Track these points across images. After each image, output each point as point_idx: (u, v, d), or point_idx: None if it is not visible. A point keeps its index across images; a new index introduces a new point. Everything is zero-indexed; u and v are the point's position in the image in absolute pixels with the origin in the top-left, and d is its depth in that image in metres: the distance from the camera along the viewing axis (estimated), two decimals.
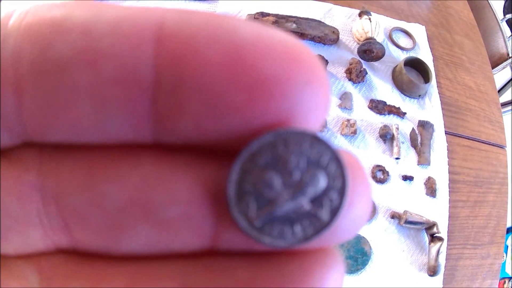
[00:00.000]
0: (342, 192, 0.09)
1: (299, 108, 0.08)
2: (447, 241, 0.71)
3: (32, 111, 0.08)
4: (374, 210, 0.67)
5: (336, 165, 0.09)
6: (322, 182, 0.09)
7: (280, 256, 0.09)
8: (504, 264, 1.33)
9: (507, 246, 1.34)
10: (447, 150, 0.75)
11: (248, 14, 0.76)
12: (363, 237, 0.66)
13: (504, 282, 1.34)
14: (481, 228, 0.77)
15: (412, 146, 0.72)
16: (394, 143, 0.70)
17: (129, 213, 0.09)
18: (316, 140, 0.09)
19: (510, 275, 1.31)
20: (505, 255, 1.33)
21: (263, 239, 0.09)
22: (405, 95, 0.75)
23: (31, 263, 0.10)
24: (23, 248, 0.09)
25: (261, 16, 0.75)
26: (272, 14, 0.75)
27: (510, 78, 1.03)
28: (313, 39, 0.75)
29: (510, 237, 1.34)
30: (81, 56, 0.08)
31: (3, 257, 0.09)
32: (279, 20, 0.75)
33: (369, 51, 0.74)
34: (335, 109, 0.71)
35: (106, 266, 0.10)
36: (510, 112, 0.95)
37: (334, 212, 0.09)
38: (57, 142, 0.09)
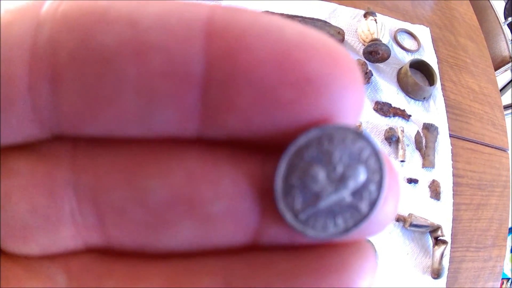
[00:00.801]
0: (379, 185, 0.09)
1: (340, 106, 0.09)
2: (451, 244, 0.71)
3: (71, 102, 0.08)
4: None
5: (375, 160, 0.09)
6: (362, 175, 0.09)
7: (320, 249, 0.09)
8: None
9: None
10: (451, 153, 0.74)
11: None
12: (368, 240, 0.65)
13: (503, 283, 1.35)
14: (484, 231, 0.77)
15: (417, 148, 0.72)
16: (399, 146, 0.70)
17: (172, 209, 0.09)
18: (358, 136, 0.09)
19: (509, 276, 1.32)
20: None
21: (308, 231, 0.09)
22: (410, 97, 0.75)
23: (58, 262, 0.09)
24: (51, 248, 0.09)
25: None
26: (277, 14, 0.75)
27: (509, 80, 1.03)
28: None
29: (509, 237, 1.35)
30: (127, 48, 0.08)
31: (27, 258, 0.09)
32: None
33: (375, 52, 0.74)
34: None
35: (143, 264, 0.09)
36: (510, 115, 0.95)
37: (373, 204, 0.09)
38: (94, 136, 0.09)
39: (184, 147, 0.09)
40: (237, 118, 0.08)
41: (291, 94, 0.08)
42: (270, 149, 0.09)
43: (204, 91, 0.08)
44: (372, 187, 0.09)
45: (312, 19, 0.75)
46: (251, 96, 0.08)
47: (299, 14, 0.76)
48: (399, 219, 0.66)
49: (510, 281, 1.31)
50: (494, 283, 0.77)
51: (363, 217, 0.09)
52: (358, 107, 0.09)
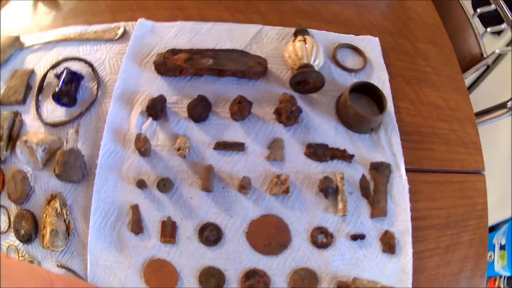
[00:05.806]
0: None
1: None
2: None
3: None
4: (315, 281, 0.56)
5: None
6: None
7: None
8: (492, 262, 1.25)
9: (494, 245, 1.25)
10: (409, 192, 0.62)
11: (158, 54, 0.63)
12: None
13: (495, 279, 1.27)
14: (455, 274, 0.66)
15: (363, 196, 0.60)
16: (339, 197, 0.58)
17: None
18: None
19: (500, 273, 1.24)
20: (492, 253, 1.26)
21: None
22: (353, 131, 0.63)
23: None
24: None
25: (171, 54, 0.62)
26: (184, 50, 0.62)
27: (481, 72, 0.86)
28: (235, 74, 0.62)
29: (495, 236, 1.25)
30: None
31: None
32: (193, 56, 0.62)
33: (304, 82, 0.61)
34: (262, 163, 0.58)
35: None
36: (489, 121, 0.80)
37: None
38: None
39: None
40: None
41: None
42: None
43: None
44: None
45: (227, 50, 0.63)
46: None
47: (211, 48, 0.64)
48: (341, 287, 0.56)
49: (503, 277, 1.21)
50: None
51: None
52: None
